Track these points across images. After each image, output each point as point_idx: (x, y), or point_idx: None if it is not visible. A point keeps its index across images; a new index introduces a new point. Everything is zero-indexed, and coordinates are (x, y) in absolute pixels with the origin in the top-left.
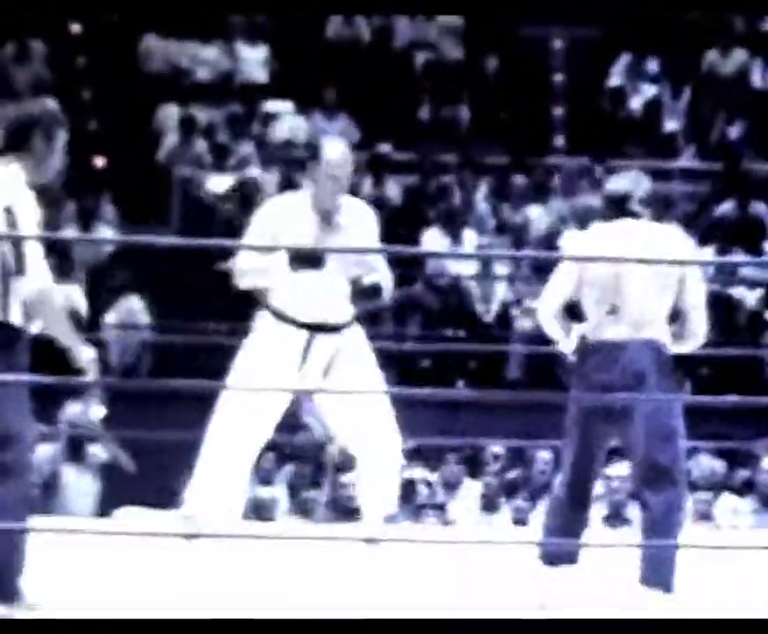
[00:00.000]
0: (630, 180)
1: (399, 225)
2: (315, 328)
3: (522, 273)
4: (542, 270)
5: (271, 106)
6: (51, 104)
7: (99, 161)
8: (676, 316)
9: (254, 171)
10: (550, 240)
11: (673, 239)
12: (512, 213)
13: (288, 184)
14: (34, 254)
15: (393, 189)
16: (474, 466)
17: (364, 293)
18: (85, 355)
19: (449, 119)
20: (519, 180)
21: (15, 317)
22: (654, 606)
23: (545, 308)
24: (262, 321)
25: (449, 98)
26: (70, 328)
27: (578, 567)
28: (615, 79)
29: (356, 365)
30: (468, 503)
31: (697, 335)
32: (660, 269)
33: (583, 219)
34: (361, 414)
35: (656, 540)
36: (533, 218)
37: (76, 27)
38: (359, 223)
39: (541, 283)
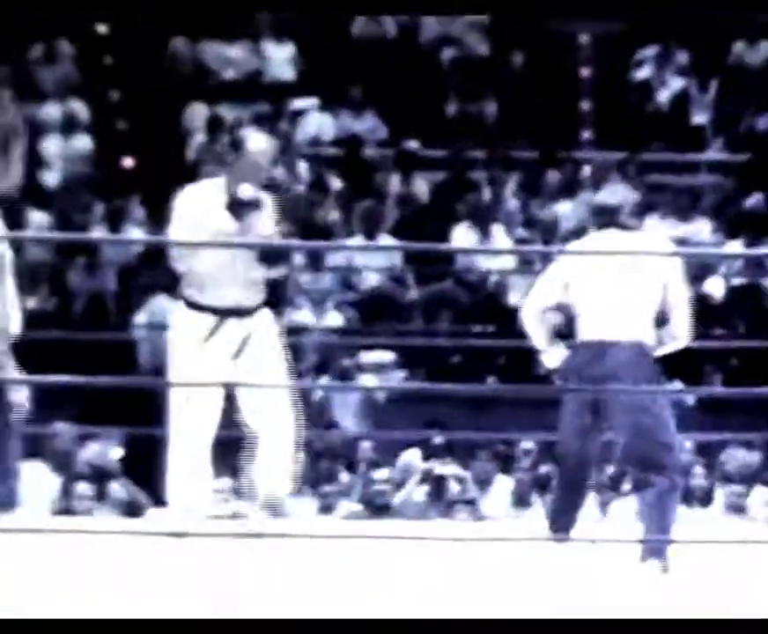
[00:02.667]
0: (617, 195)
1: (427, 222)
2: (227, 313)
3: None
4: None
5: (298, 104)
6: (11, 115)
7: (128, 162)
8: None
9: (281, 169)
10: (579, 235)
11: (655, 246)
12: (541, 208)
13: (315, 181)
14: None
15: (421, 186)
16: (505, 461)
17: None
18: None
19: (477, 115)
20: (548, 174)
21: None
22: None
23: (528, 310)
24: (180, 312)
25: (477, 93)
26: None
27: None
28: (642, 72)
29: (264, 351)
30: (500, 498)
31: (677, 336)
32: (642, 274)
33: (601, 215)
34: (265, 400)
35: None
36: (562, 213)
37: (103, 28)
38: (263, 209)
39: None
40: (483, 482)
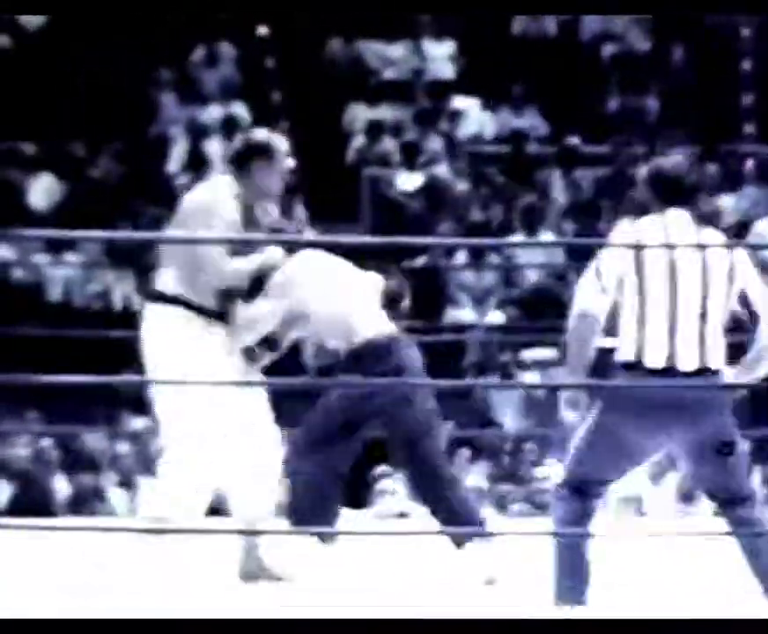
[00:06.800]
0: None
1: (589, 217)
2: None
3: None
4: None
5: (459, 102)
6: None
7: (290, 162)
8: None
9: (442, 168)
10: (743, 229)
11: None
12: (704, 201)
13: (476, 179)
14: None
15: (583, 182)
16: (671, 458)
17: None
18: None
19: (638, 110)
20: (710, 168)
21: None
22: None
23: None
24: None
25: (637, 89)
26: None
27: None
28: None
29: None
30: (667, 494)
31: None
32: None
33: None
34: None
35: None
36: (725, 207)
37: (264, 30)
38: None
39: None
40: (652, 478)
